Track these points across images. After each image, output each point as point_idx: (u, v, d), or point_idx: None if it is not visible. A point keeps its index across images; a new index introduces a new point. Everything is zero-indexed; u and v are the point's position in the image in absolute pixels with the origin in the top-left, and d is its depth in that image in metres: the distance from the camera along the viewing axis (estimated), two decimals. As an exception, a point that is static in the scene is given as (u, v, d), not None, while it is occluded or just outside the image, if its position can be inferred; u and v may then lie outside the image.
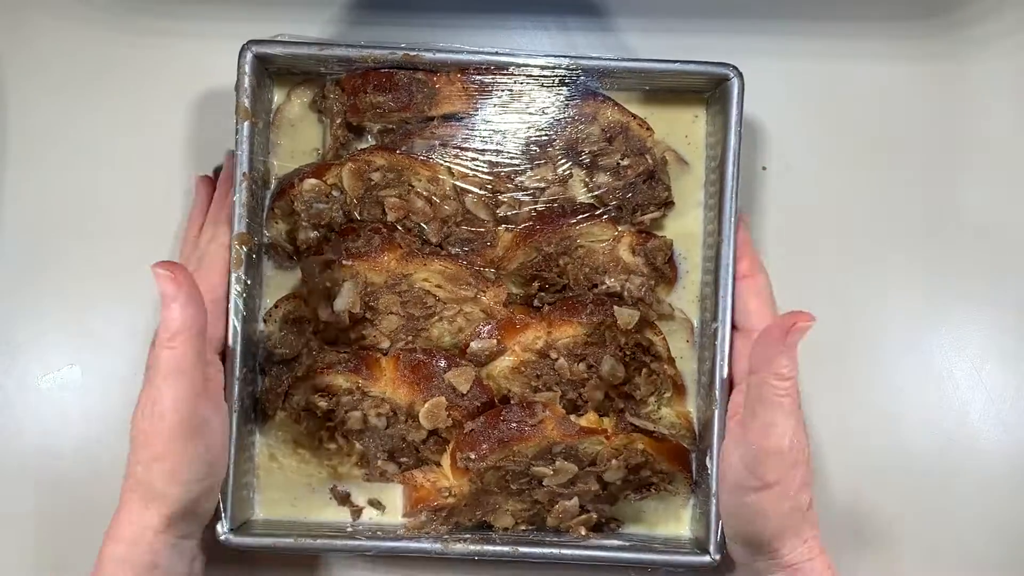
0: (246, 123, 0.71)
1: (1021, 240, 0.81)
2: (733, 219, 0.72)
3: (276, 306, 0.75)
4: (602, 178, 0.75)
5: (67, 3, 0.81)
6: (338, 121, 0.75)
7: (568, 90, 0.73)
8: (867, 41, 0.82)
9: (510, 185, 0.73)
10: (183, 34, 0.80)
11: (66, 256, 0.80)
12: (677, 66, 0.72)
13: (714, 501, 0.70)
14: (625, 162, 0.74)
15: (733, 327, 0.72)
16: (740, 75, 0.71)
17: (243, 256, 0.71)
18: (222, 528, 0.71)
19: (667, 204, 0.76)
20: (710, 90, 0.75)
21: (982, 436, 0.81)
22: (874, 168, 0.81)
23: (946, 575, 0.80)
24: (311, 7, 0.80)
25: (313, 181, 0.73)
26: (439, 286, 0.72)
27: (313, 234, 0.74)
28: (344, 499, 0.76)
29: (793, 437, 0.64)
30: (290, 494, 0.76)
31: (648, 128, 0.75)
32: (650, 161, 0.74)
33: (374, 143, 0.75)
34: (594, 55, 0.73)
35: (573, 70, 0.72)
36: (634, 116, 0.74)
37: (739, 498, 0.66)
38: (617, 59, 0.72)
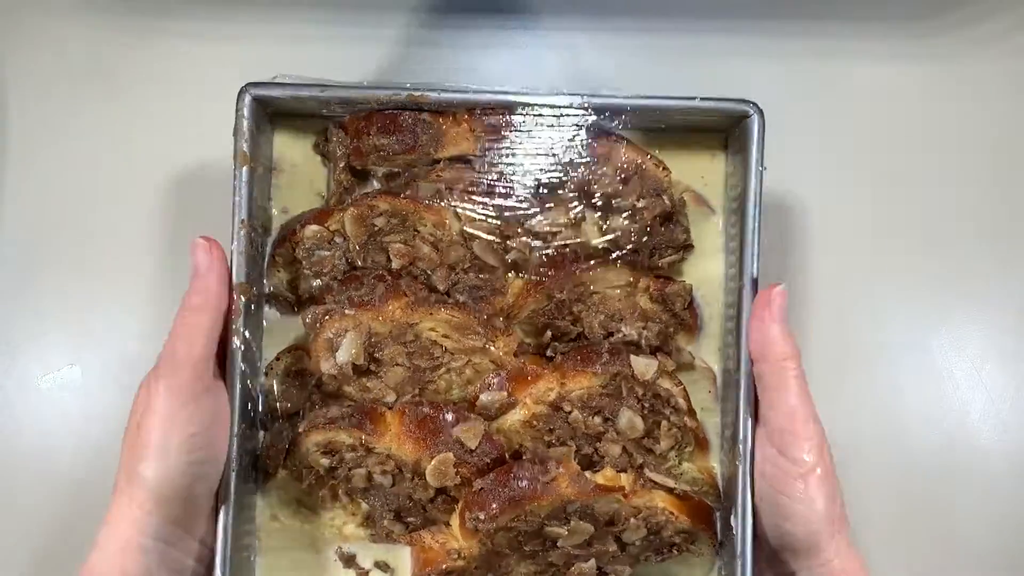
0: (245, 168, 0.68)
1: (1022, 240, 0.82)
2: (756, 264, 0.68)
3: (277, 359, 0.72)
4: (617, 221, 0.71)
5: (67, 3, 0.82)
6: (341, 165, 0.72)
7: (579, 130, 0.70)
8: (866, 42, 0.82)
9: (520, 230, 0.70)
10: (184, 35, 0.81)
11: (66, 256, 0.81)
12: (693, 103, 0.69)
13: (739, 563, 0.66)
14: (641, 203, 0.71)
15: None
16: (760, 112, 0.68)
17: (242, 307, 0.68)
18: (220, 594, 0.67)
19: (686, 247, 0.72)
20: (728, 127, 0.72)
21: (982, 436, 0.81)
22: (874, 168, 0.82)
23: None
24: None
25: (315, 227, 0.70)
26: (446, 336, 0.69)
27: (315, 283, 0.71)
28: (349, 561, 0.73)
29: (815, 415, 0.65)
30: (293, 557, 0.73)
31: (665, 168, 0.71)
32: (667, 202, 0.71)
33: (378, 187, 0.72)
34: (606, 93, 0.70)
35: (584, 108, 0.69)
36: (650, 155, 0.71)
37: (778, 494, 0.65)
38: (630, 97, 0.69)
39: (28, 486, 0.80)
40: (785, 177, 0.79)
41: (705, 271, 0.74)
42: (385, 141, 0.70)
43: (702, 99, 0.69)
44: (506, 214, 0.70)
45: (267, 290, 0.72)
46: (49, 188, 0.81)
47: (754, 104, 0.68)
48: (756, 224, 0.68)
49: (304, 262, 0.70)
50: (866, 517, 0.78)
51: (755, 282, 0.68)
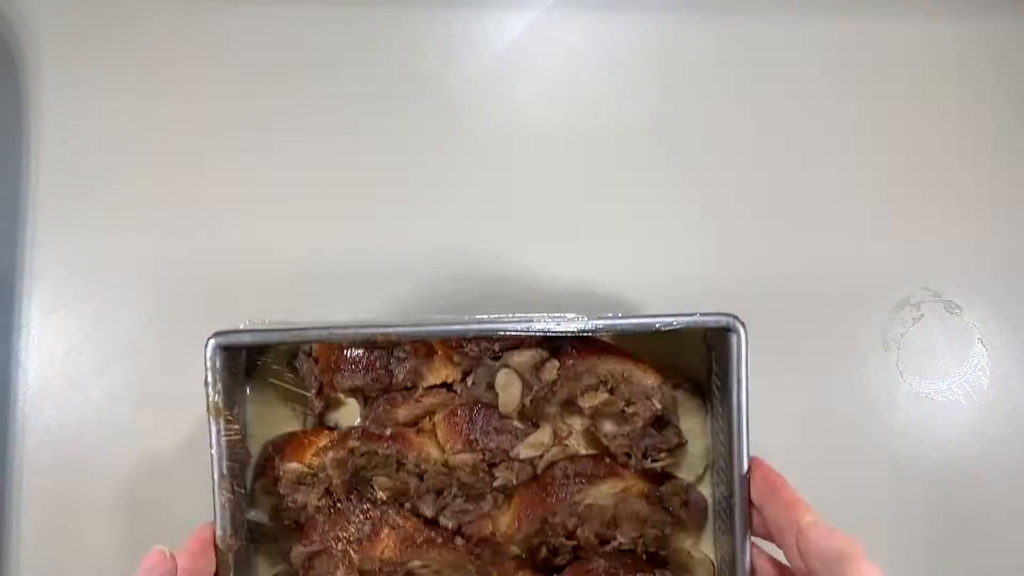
0: (221, 420, 0.66)
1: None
2: (745, 465, 0.67)
3: (271, 584, 0.71)
4: (607, 427, 0.70)
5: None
6: (313, 392, 0.70)
7: (558, 350, 0.68)
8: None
9: (505, 458, 0.68)
10: None
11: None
12: (675, 320, 0.67)
13: None
14: (630, 409, 0.69)
15: None
16: (743, 324, 0.66)
17: (231, 562, 0.66)
18: None
19: (679, 446, 0.71)
20: (711, 336, 0.70)
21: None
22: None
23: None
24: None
25: (294, 466, 0.68)
26: (437, 572, 0.68)
27: (299, 515, 0.69)
28: None
29: None
30: None
31: (652, 371, 0.69)
32: (657, 405, 0.69)
33: (357, 408, 0.71)
34: (582, 317, 0.67)
35: (563, 335, 0.67)
36: (636, 362, 0.69)
37: None
38: (609, 318, 0.67)
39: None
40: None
41: (695, 464, 0.72)
42: (360, 382, 0.68)
43: (682, 315, 0.67)
44: (492, 445, 0.68)
45: (252, 524, 0.70)
46: (84, 155, 0.81)
47: (735, 316, 0.66)
48: (745, 432, 0.66)
49: (287, 498, 0.69)
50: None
51: (746, 494, 0.66)
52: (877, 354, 0.80)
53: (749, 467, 0.66)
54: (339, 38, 0.82)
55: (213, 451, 0.66)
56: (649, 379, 0.69)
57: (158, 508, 0.79)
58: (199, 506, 0.73)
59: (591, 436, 0.71)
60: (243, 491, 0.69)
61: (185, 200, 0.81)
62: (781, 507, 0.63)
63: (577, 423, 0.70)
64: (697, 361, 0.72)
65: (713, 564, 0.72)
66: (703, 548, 0.72)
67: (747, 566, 0.66)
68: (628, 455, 0.70)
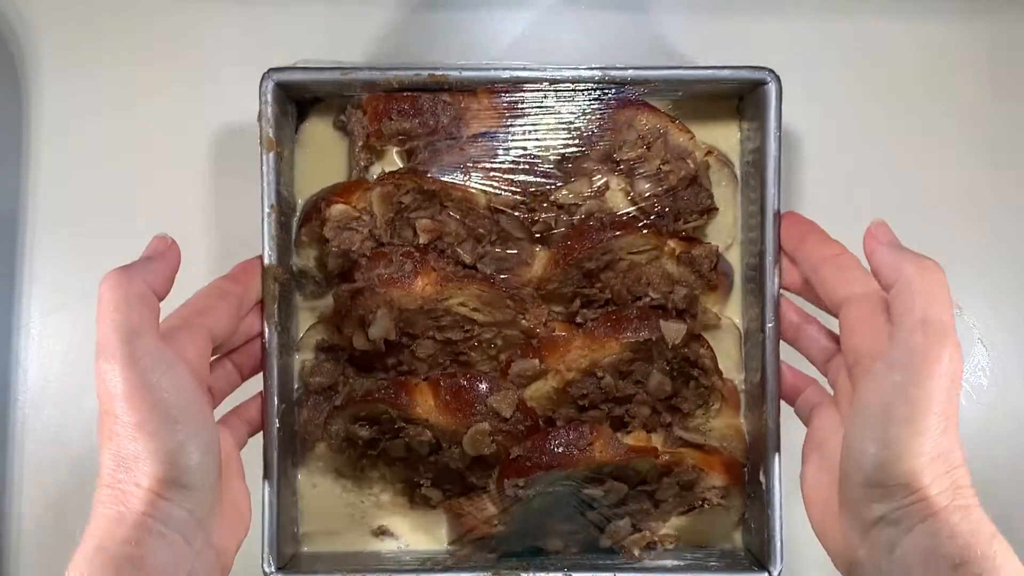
0: (271, 154, 0.69)
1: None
2: (776, 227, 0.69)
3: (308, 334, 0.74)
4: (642, 186, 0.72)
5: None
6: (360, 144, 0.73)
7: (601, 100, 0.71)
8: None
9: (545, 204, 0.71)
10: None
11: (102, 223, 0.82)
12: (710, 73, 0.70)
13: (770, 513, 0.68)
14: (666, 167, 0.71)
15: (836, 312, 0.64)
16: (777, 78, 0.69)
17: (276, 292, 0.69)
18: (268, 567, 0.69)
19: (710, 211, 0.73)
20: (745, 93, 0.73)
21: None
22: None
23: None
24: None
25: (341, 207, 0.71)
26: (476, 309, 0.70)
27: (343, 260, 0.72)
28: (388, 534, 0.75)
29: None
30: (334, 527, 0.75)
31: (688, 131, 0.72)
32: (692, 165, 0.72)
33: (400, 163, 0.73)
34: (621, 65, 0.70)
35: (604, 82, 0.70)
36: (672, 119, 0.72)
37: (884, 428, 0.56)
38: (647, 68, 0.69)
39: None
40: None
41: (726, 234, 0.75)
42: (408, 125, 0.70)
43: (717, 68, 0.70)
44: (531, 189, 0.71)
45: (295, 268, 0.73)
46: (82, 154, 0.82)
47: (771, 71, 0.69)
48: (776, 189, 0.69)
49: (332, 241, 0.71)
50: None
51: (777, 247, 0.69)
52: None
53: (779, 213, 0.68)
54: (340, 38, 0.83)
55: (264, 183, 0.69)
56: (685, 138, 0.72)
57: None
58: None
59: (628, 200, 0.73)
60: (289, 235, 0.72)
61: (184, 199, 0.83)
62: (815, 243, 0.66)
63: (614, 181, 0.72)
64: (728, 133, 0.75)
65: (739, 329, 0.75)
66: (729, 315, 0.75)
67: (775, 333, 0.69)
68: (661, 216, 0.72)
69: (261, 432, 0.70)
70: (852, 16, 0.82)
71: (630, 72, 0.69)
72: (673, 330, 0.70)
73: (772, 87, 0.69)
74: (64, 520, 0.80)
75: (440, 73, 0.69)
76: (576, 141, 0.71)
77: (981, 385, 0.80)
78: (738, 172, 0.74)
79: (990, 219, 0.81)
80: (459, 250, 0.71)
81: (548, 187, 0.71)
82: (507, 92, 0.70)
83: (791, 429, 0.69)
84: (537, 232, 0.71)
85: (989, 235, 0.81)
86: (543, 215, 0.71)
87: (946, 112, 0.83)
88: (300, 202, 0.74)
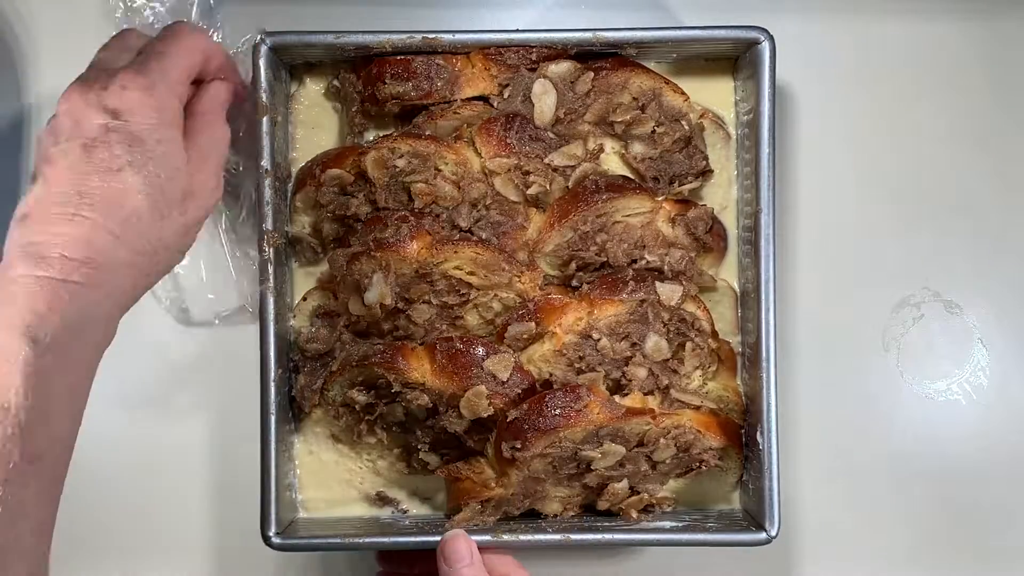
0: (265, 119, 0.69)
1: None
2: (772, 188, 0.69)
3: (304, 299, 0.74)
4: (637, 148, 0.72)
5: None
6: (354, 109, 0.73)
7: (594, 62, 0.71)
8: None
9: (539, 166, 0.71)
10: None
11: None
12: (703, 32, 0.70)
13: (767, 475, 0.69)
14: (660, 129, 0.72)
15: None
16: (771, 38, 0.69)
17: (271, 256, 0.69)
18: (270, 531, 0.69)
19: (705, 173, 0.73)
20: (739, 55, 0.72)
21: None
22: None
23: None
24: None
25: (336, 172, 0.71)
26: (472, 273, 0.70)
27: (338, 225, 0.72)
28: (387, 500, 0.76)
29: None
30: (332, 493, 0.75)
31: (682, 92, 0.72)
32: (686, 127, 0.72)
33: (393, 129, 0.73)
34: (615, 27, 0.70)
35: (597, 43, 0.70)
36: (667, 81, 0.72)
37: None
38: (640, 29, 0.70)
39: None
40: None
41: (720, 196, 0.75)
42: (401, 89, 0.70)
43: (711, 28, 0.70)
44: (525, 150, 0.71)
45: (289, 235, 0.73)
46: None
47: (764, 30, 0.69)
48: (771, 149, 0.69)
49: (328, 206, 0.71)
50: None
51: (773, 208, 0.69)
52: (877, 354, 0.80)
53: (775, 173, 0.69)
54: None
55: (259, 147, 0.69)
56: (679, 100, 0.72)
57: (157, 508, 0.80)
58: (198, 506, 0.78)
59: (623, 162, 0.73)
60: (284, 200, 0.72)
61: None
62: None
63: (609, 144, 0.72)
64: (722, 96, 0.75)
65: (735, 291, 0.75)
66: (725, 277, 0.75)
67: (772, 294, 0.70)
68: (656, 179, 0.72)
69: (259, 398, 0.70)
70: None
71: (624, 33, 0.69)
72: (669, 291, 0.70)
73: (766, 46, 0.69)
74: (64, 520, 0.76)
75: (434, 36, 0.69)
76: (570, 102, 0.71)
77: (981, 385, 0.80)
78: (733, 133, 0.74)
79: (990, 219, 0.81)
80: (454, 214, 0.71)
81: (542, 148, 0.71)
82: (500, 55, 0.70)
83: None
84: (532, 195, 0.71)
85: (989, 235, 0.80)
86: (538, 178, 0.71)
87: (943, 111, 0.82)
88: (294, 171, 0.74)
